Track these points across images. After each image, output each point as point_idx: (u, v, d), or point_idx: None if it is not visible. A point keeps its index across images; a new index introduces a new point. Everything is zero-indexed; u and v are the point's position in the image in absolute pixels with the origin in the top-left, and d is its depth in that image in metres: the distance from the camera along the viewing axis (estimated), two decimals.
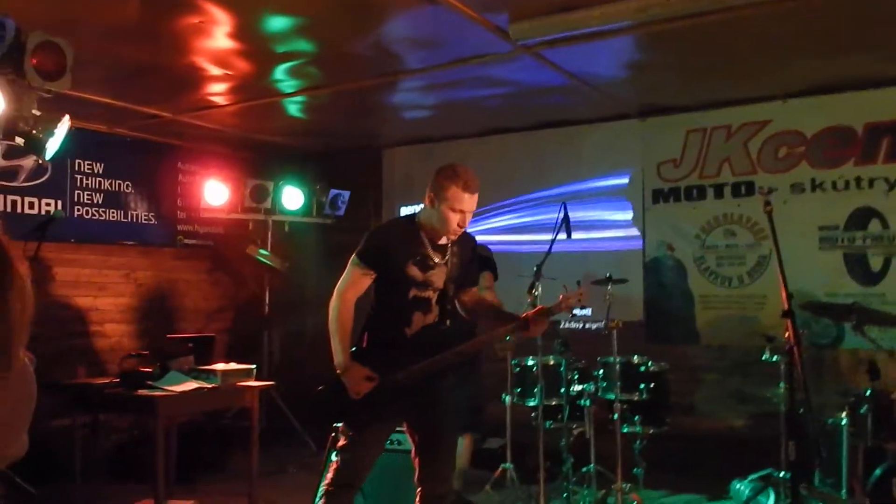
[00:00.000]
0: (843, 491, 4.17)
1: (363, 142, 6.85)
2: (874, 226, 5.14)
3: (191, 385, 4.16)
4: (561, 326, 5.89)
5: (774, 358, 4.52)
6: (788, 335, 3.27)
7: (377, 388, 2.86)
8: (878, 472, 3.71)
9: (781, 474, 4.43)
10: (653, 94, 5.44)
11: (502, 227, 6.41)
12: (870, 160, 5.15)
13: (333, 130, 6.43)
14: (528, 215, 6.30)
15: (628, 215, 5.95)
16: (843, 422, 4.17)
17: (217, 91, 5.19)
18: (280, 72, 4.76)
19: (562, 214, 4.88)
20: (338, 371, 2.90)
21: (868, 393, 4.05)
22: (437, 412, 2.96)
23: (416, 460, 3.02)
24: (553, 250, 4.88)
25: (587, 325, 5.97)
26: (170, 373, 4.25)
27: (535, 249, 5.75)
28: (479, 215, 6.51)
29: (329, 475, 2.95)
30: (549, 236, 4.92)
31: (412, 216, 3.00)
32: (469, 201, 2.83)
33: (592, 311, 5.90)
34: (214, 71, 4.71)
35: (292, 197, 6.48)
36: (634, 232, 5.92)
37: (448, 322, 2.95)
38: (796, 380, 3.21)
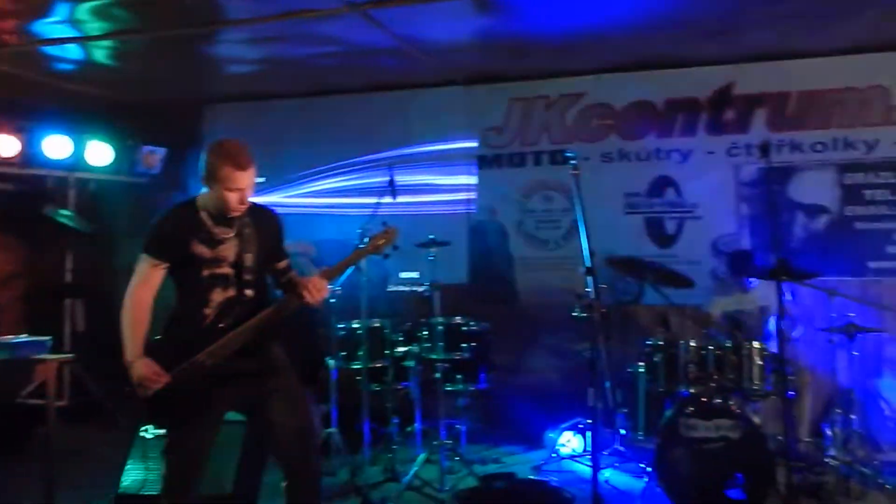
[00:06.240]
0: (641, 433, 4.62)
1: (183, 95, 6.41)
2: (670, 193, 5.68)
3: None
4: (388, 289, 5.93)
5: (584, 314, 4.87)
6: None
7: (175, 383, 2.68)
8: (667, 414, 4.12)
9: (588, 421, 4.81)
10: (479, 63, 5.57)
11: (330, 190, 6.31)
12: (668, 133, 5.69)
13: (148, 81, 5.94)
14: (356, 178, 6.24)
15: (456, 180, 6.09)
16: (641, 370, 4.60)
17: (3, 28, 4.59)
18: (83, 11, 4.30)
19: (388, 178, 4.90)
20: (126, 367, 2.68)
21: (660, 343, 4.48)
22: (260, 386, 2.80)
23: (271, 449, 2.90)
24: (381, 213, 4.90)
25: (413, 288, 6.05)
26: None
27: (364, 212, 5.73)
28: (309, 177, 6.36)
29: (162, 482, 2.79)
30: (376, 199, 4.93)
31: (192, 199, 2.85)
32: (244, 178, 2.70)
33: (420, 273, 5.99)
34: None
35: (100, 152, 5.94)
36: (461, 196, 6.08)
37: (249, 292, 2.81)
38: (595, 332, 3.46)
